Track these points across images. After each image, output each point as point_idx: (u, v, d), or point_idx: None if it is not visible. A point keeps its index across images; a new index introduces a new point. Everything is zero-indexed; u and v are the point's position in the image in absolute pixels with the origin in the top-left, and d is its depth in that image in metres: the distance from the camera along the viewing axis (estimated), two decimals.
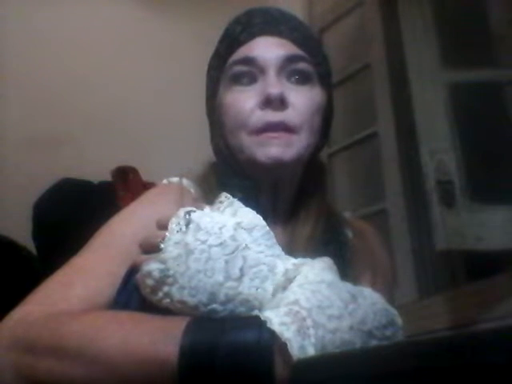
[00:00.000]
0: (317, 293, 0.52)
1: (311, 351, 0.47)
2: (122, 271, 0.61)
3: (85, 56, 2.00)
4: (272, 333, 0.48)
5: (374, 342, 0.51)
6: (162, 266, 0.53)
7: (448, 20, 1.78)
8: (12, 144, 1.84)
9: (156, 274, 0.53)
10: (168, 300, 0.53)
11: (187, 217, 0.57)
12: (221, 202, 0.61)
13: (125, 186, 1.37)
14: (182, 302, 0.52)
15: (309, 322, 0.49)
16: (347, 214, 0.89)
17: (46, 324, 0.56)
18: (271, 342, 0.48)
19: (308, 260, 0.58)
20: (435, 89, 1.67)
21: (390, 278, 0.85)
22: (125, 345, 0.51)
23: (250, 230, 0.56)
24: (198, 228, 0.55)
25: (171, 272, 0.53)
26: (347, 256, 0.77)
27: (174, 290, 0.53)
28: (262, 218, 0.59)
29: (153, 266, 0.54)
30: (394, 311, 0.55)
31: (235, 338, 0.49)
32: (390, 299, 0.85)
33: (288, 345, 0.47)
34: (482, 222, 1.54)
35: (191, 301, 0.52)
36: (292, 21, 0.81)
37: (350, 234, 0.83)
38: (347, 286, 0.55)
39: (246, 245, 0.55)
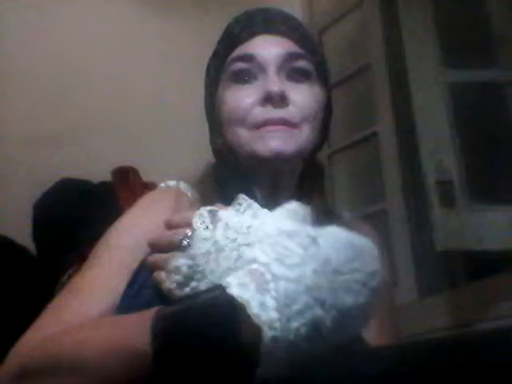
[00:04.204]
0: (275, 245, 0.52)
1: (272, 305, 0.47)
2: (121, 284, 0.62)
3: (85, 55, 2.00)
4: (230, 297, 0.48)
5: (341, 278, 0.50)
6: (190, 262, 0.54)
7: (448, 20, 1.78)
8: (12, 144, 1.83)
9: (185, 269, 0.54)
10: None
11: (211, 216, 0.57)
12: (239, 204, 0.61)
13: (125, 185, 1.36)
14: None
15: (268, 277, 0.49)
16: (346, 214, 0.89)
17: (40, 348, 0.57)
18: (230, 308, 0.47)
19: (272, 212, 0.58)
20: (435, 89, 1.67)
21: (387, 277, 0.85)
22: (105, 346, 0.52)
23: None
24: (227, 227, 0.56)
25: (200, 268, 0.54)
26: None
27: (203, 286, 0.53)
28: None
29: (181, 262, 0.54)
30: (364, 242, 0.53)
31: (198, 312, 0.48)
32: (388, 298, 0.85)
33: (246, 306, 0.47)
34: (482, 222, 1.54)
35: None
36: (291, 20, 0.81)
37: None
38: (307, 230, 0.54)
39: None
